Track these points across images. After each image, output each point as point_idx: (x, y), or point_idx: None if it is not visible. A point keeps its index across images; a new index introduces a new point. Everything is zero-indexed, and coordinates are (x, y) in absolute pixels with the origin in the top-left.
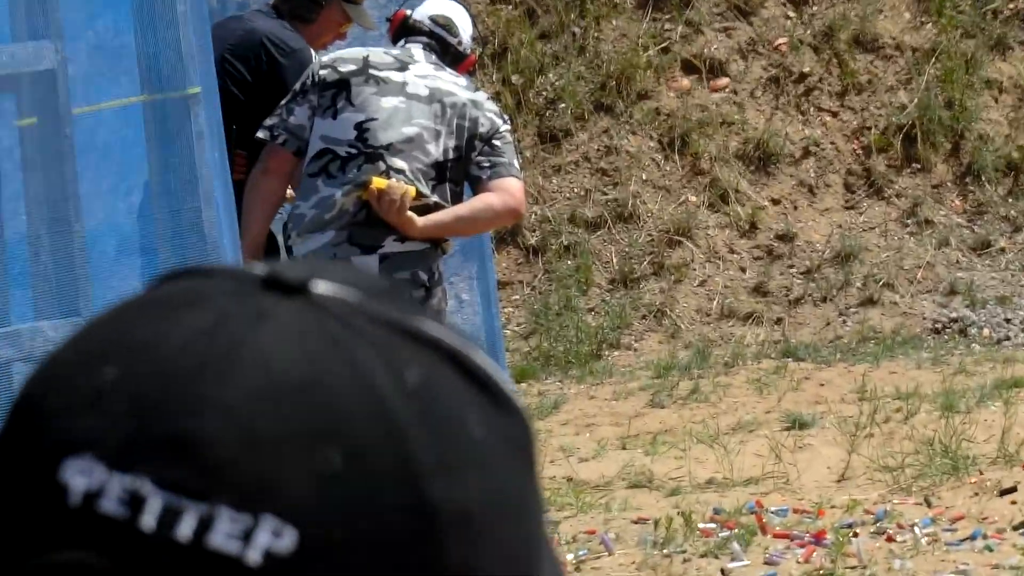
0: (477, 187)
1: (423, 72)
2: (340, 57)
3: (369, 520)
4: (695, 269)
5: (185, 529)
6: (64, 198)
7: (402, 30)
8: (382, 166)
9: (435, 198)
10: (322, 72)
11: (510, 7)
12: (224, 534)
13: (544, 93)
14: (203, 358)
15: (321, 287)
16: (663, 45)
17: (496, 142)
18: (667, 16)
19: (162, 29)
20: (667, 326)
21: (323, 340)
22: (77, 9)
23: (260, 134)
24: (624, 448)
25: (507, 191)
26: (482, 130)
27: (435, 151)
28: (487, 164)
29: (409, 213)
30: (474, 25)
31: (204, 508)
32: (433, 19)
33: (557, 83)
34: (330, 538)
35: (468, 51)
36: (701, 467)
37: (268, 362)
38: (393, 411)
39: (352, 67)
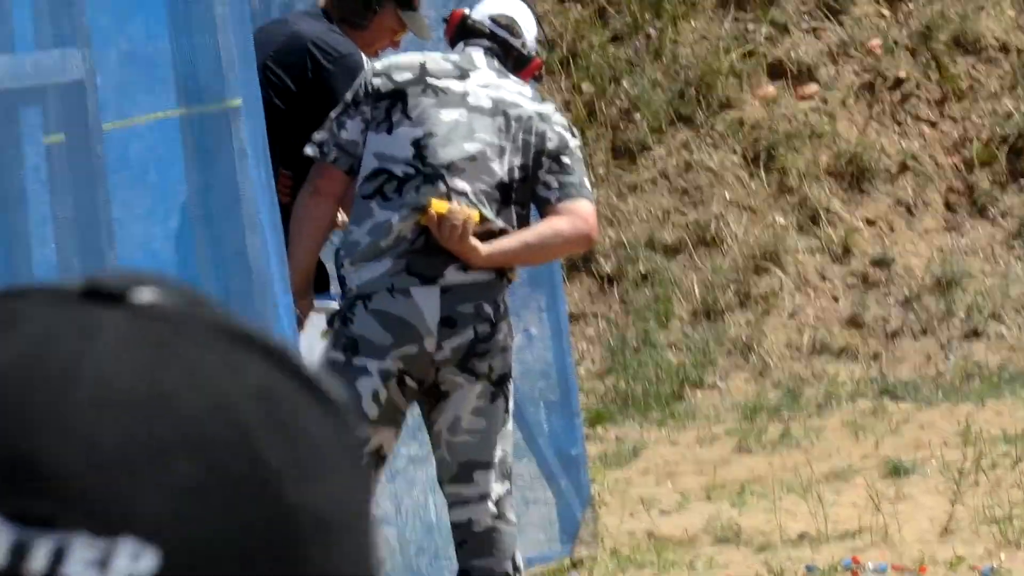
0: (545, 210)
1: (485, 81)
2: (395, 64)
3: (232, 531)
4: (784, 299)
5: (37, 563)
6: (96, 223)
7: (461, 31)
8: (442, 188)
9: (500, 223)
10: (375, 81)
11: (580, 7)
12: (80, 563)
13: (617, 103)
14: (34, 378)
15: (143, 295)
16: (747, 48)
17: (565, 159)
18: (750, 16)
19: (199, 34)
20: (754, 363)
21: (157, 348)
22: (106, 12)
23: (308, 151)
24: (709, 499)
25: (578, 215)
26: (550, 146)
27: (500, 170)
28: (556, 184)
29: (472, 240)
30: (539, 26)
31: (56, 537)
32: (494, 19)
33: (631, 92)
34: (194, 554)
35: (532, 54)
36: (792, 519)
37: (104, 375)
38: (242, 416)
39: (408, 75)
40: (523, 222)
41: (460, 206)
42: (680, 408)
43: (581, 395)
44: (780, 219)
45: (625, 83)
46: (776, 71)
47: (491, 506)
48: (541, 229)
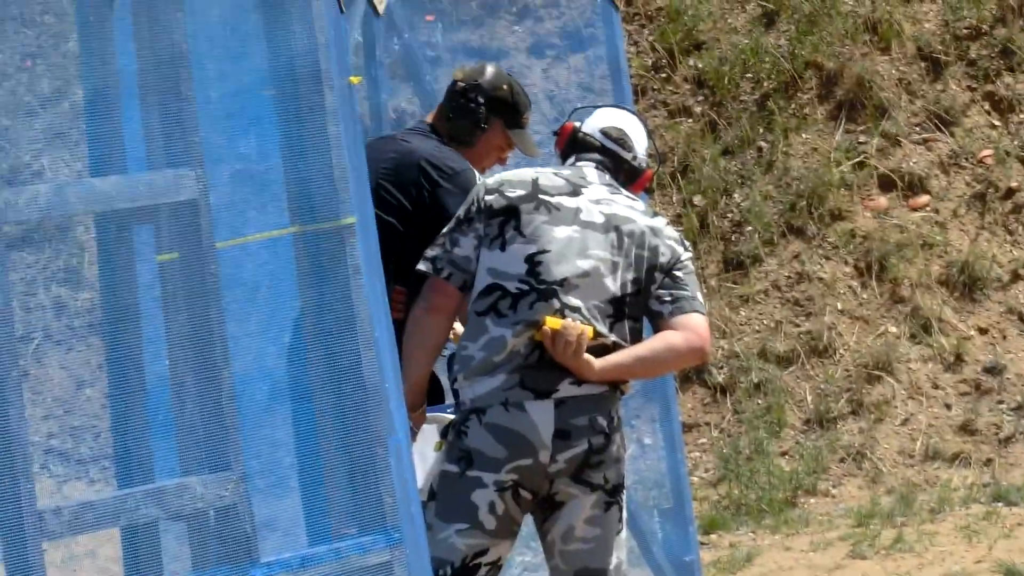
0: (658, 324)
1: (597, 196)
2: (507, 180)
3: None
4: (896, 407)
5: None
6: (210, 340)
7: (571, 145)
8: (556, 304)
9: (614, 337)
10: (488, 198)
11: (691, 121)
12: None
13: (729, 215)
14: None
15: None
16: (857, 160)
17: (678, 273)
18: (861, 128)
19: (312, 153)
20: (867, 469)
21: None
22: (217, 132)
23: (422, 267)
24: None
25: (691, 329)
26: (663, 260)
27: (612, 286)
28: (668, 299)
29: (586, 356)
30: (650, 137)
31: None
32: (605, 132)
33: (743, 204)
34: None
35: (644, 166)
36: None
37: None
38: None
39: (521, 192)
40: (636, 336)
41: (574, 322)
42: (793, 515)
43: (695, 503)
44: (892, 328)
45: (736, 195)
46: (887, 183)
47: None
48: (654, 344)
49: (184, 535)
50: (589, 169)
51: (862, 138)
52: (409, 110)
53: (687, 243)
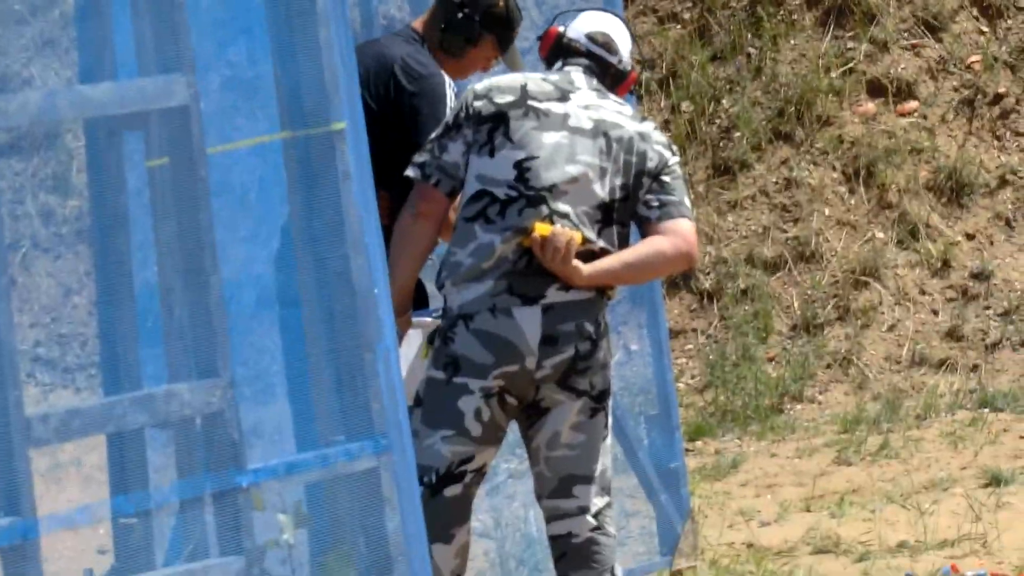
0: (645, 229)
1: (586, 102)
2: (496, 86)
3: None
4: (883, 312)
5: None
6: (199, 246)
7: (557, 50)
8: (545, 210)
9: (601, 243)
10: (477, 104)
11: (679, 27)
12: None
13: (717, 121)
14: None
15: None
16: (846, 66)
17: (665, 178)
18: (850, 34)
19: (303, 58)
20: (854, 376)
21: None
22: (208, 38)
23: (410, 172)
24: (808, 510)
25: (678, 234)
26: (650, 165)
27: (601, 191)
28: (656, 204)
29: (575, 261)
30: (634, 40)
31: None
32: (590, 37)
33: (731, 110)
34: None
35: (628, 68)
36: (892, 529)
37: None
38: None
39: (510, 98)
40: (624, 241)
41: (562, 228)
42: (779, 421)
43: (681, 409)
44: (879, 234)
45: (725, 102)
46: (875, 88)
47: (590, 519)
48: (642, 249)
49: (169, 443)
50: (577, 74)
51: (850, 44)
52: (399, 17)
53: (675, 148)
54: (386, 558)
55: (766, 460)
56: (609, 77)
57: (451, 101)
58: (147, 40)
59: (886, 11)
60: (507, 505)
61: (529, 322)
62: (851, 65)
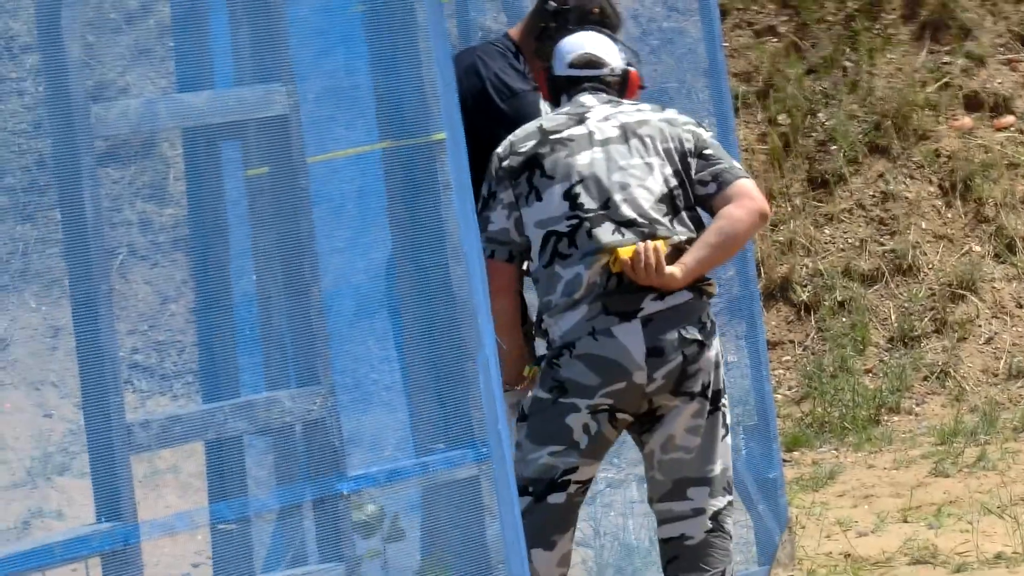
0: (712, 205)
1: (603, 114)
2: (514, 140)
3: None
4: (980, 325)
5: None
6: (299, 255)
7: (554, 90)
8: (610, 225)
9: (680, 235)
10: (504, 164)
11: (775, 40)
12: None
13: (814, 135)
14: None
15: None
16: (942, 80)
17: (707, 151)
18: (946, 48)
19: (403, 69)
20: (951, 388)
21: None
22: (307, 48)
23: None
24: (906, 521)
25: (742, 194)
26: (688, 146)
27: (656, 185)
28: (709, 178)
29: (668, 268)
30: (616, 40)
31: None
32: (571, 64)
33: (827, 123)
34: None
35: (625, 70)
36: (989, 541)
37: None
38: None
39: (532, 143)
40: (697, 223)
41: (644, 243)
42: (876, 432)
43: (778, 420)
44: (976, 247)
45: (821, 115)
46: (972, 103)
47: (706, 520)
48: (717, 223)
49: (268, 450)
50: (584, 96)
51: (946, 58)
52: (495, 28)
53: (703, 123)
54: (485, 565)
55: (863, 471)
56: (613, 88)
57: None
58: (245, 49)
59: (982, 26)
60: (605, 514)
61: (631, 338)
62: (947, 79)
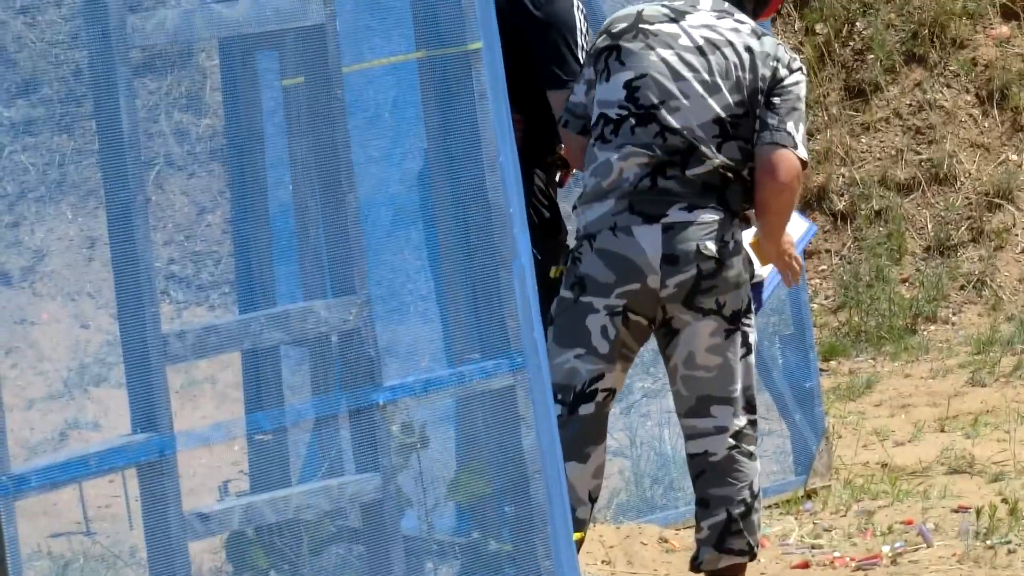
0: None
1: (701, 21)
2: (616, 18)
3: None
4: (1017, 234)
5: None
6: (335, 165)
7: None
8: (655, 127)
9: (717, 159)
10: (599, 42)
11: None
12: None
13: (851, 44)
14: None
15: None
16: None
17: (775, 99)
18: None
19: None
20: (987, 297)
21: None
22: None
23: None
24: (943, 431)
25: (771, 169)
26: (763, 85)
27: (716, 106)
28: (760, 128)
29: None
30: None
31: None
32: None
33: (865, 32)
34: None
35: None
36: None
37: None
38: None
39: (624, 25)
40: (747, 155)
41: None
42: (913, 342)
43: (815, 330)
44: (1013, 156)
45: (859, 24)
46: (1009, 12)
47: (728, 438)
48: (758, 200)
49: (304, 361)
50: None
51: None
52: None
53: (798, 65)
54: (521, 475)
55: (900, 380)
56: (752, 1)
57: (580, 23)
58: None
59: None
60: (642, 424)
61: (650, 241)
62: None
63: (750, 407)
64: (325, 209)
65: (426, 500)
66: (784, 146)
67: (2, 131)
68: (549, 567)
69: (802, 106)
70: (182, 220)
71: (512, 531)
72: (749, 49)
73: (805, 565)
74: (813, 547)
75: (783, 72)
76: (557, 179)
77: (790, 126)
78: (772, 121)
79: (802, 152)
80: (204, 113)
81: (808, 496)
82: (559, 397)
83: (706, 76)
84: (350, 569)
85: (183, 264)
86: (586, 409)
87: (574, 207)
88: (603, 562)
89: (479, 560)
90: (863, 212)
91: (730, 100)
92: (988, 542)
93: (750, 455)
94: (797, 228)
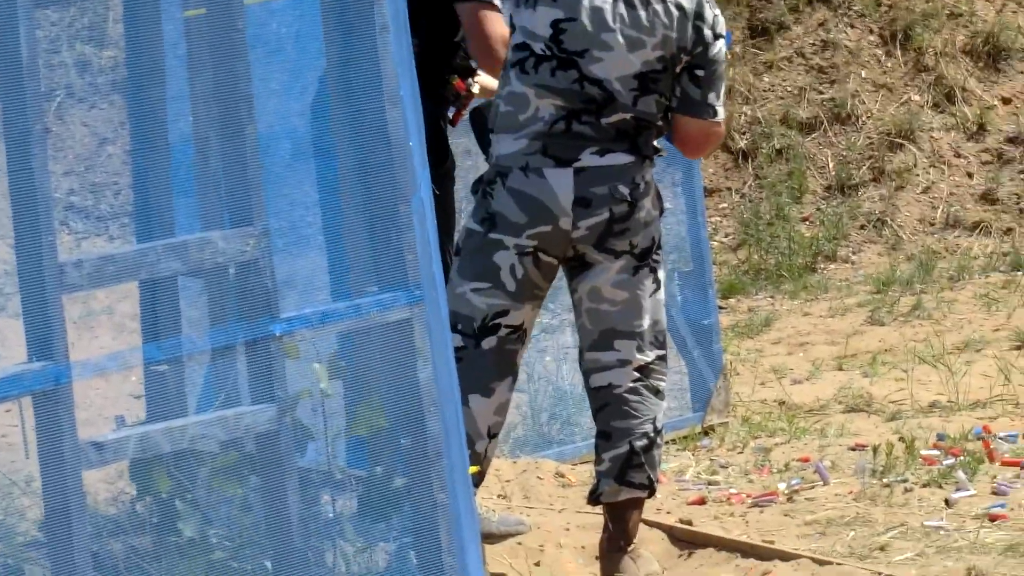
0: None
1: None
2: None
3: None
4: (918, 175)
5: None
6: (235, 98)
7: None
8: (575, 74)
9: (635, 113)
10: None
11: None
12: None
13: None
14: None
15: None
16: None
17: (699, 72)
18: None
19: None
20: (887, 237)
21: None
22: None
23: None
24: (841, 369)
25: (692, 143)
26: (685, 44)
27: (636, 61)
28: (682, 97)
29: None
30: None
31: None
32: None
33: None
34: None
35: None
36: (924, 389)
37: None
38: None
39: None
40: (663, 112)
41: None
42: (813, 280)
43: (715, 267)
44: (916, 97)
45: None
46: None
47: (632, 371)
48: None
49: (202, 293)
50: None
51: None
52: None
53: (721, 28)
54: (418, 409)
55: (799, 319)
56: None
57: None
58: None
59: None
60: (539, 359)
61: (561, 184)
62: None
63: (659, 343)
64: (223, 141)
65: (326, 432)
66: (705, 118)
67: None
68: (444, 500)
69: (723, 70)
70: (82, 151)
71: (407, 464)
72: (680, 7)
73: (701, 501)
74: (710, 483)
75: (708, 35)
76: (450, 117)
77: (711, 97)
78: (695, 95)
79: (720, 116)
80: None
81: (705, 433)
82: (459, 327)
83: (631, 31)
84: (247, 501)
85: (83, 195)
86: (488, 343)
87: (490, 129)
88: (499, 496)
89: (375, 493)
90: (764, 151)
91: (651, 56)
92: (884, 480)
93: (656, 391)
94: None
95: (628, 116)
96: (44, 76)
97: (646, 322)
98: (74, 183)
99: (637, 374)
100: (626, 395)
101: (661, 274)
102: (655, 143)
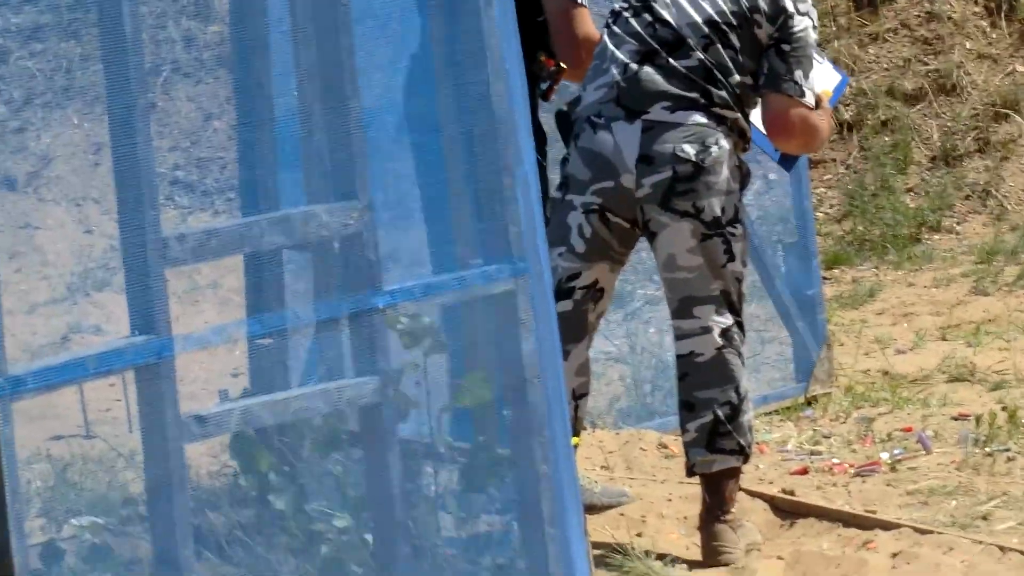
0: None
1: None
2: None
3: None
4: (1023, 145)
5: None
6: (340, 72)
7: None
8: (648, 17)
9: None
10: None
11: None
12: None
13: None
14: None
15: None
16: None
17: (785, 47)
18: None
19: None
20: (992, 207)
21: None
22: None
23: None
24: (944, 339)
25: (778, 122)
26: (762, 5)
27: (707, 7)
28: (768, 72)
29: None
30: None
31: None
32: None
33: None
34: None
35: None
36: None
37: None
38: None
39: None
40: (737, 66)
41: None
42: (917, 251)
43: (819, 238)
44: (1020, 68)
45: None
46: None
47: (716, 338)
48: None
49: (307, 266)
50: None
51: None
52: None
53: (810, 9)
54: (521, 380)
55: (903, 289)
56: None
57: None
58: None
59: None
60: (643, 331)
61: (627, 139)
62: None
63: (735, 309)
64: (328, 115)
65: (429, 404)
66: (791, 94)
67: (9, 37)
68: (546, 471)
69: (812, 51)
70: (188, 126)
71: (511, 436)
72: None
73: (804, 471)
74: (812, 454)
75: (787, 2)
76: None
77: (797, 75)
78: (779, 68)
79: (809, 99)
80: (212, 19)
81: (808, 403)
82: None
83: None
84: (348, 472)
85: (188, 170)
86: (564, 306)
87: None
88: (602, 467)
89: (478, 464)
90: (869, 122)
91: (723, 6)
92: (987, 450)
93: (738, 353)
94: (830, 80)
95: (698, 63)
96: (151, 52)
97: (721, 287)
98: (180, 158)
99: (720, 340)
100: (709, 363)
101: (737, 248)
102: (741, 124)
